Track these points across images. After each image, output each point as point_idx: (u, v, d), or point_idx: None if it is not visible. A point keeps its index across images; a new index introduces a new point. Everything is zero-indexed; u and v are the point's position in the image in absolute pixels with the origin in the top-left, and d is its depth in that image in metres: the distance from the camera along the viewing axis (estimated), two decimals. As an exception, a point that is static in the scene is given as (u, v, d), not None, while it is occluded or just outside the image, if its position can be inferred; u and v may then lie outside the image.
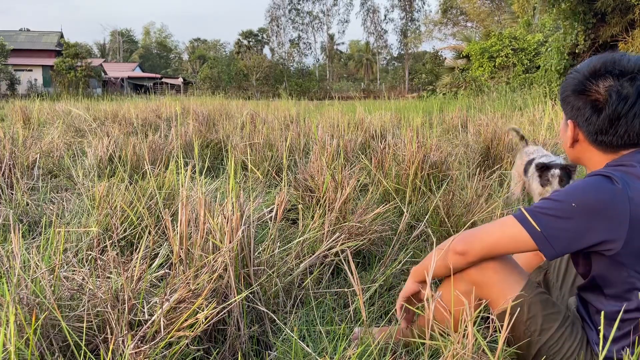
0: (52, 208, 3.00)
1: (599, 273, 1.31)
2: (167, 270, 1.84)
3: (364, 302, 2.12)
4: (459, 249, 1.40)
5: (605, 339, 1.29)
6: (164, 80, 47.10)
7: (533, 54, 18.41)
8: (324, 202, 2.69)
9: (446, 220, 2.81)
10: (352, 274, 1.63)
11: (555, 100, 9.97)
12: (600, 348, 1.17)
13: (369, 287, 2.17)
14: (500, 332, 1.33)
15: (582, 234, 1.22)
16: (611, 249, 1.21)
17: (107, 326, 1.44)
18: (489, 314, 1.49)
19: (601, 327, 1.14)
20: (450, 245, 1.43)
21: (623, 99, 1.23)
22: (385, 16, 58.56)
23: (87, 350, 1.37)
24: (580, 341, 1.39)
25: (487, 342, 1.33)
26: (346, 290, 2.07)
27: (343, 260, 1.59)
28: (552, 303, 1.42)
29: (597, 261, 1.29)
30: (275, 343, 1.74)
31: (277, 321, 1.88)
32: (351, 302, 2.04)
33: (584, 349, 1.38)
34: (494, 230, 1.36)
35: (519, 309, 1.38)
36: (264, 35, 60.13)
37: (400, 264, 2.26)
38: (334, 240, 2.28)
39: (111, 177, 3.58)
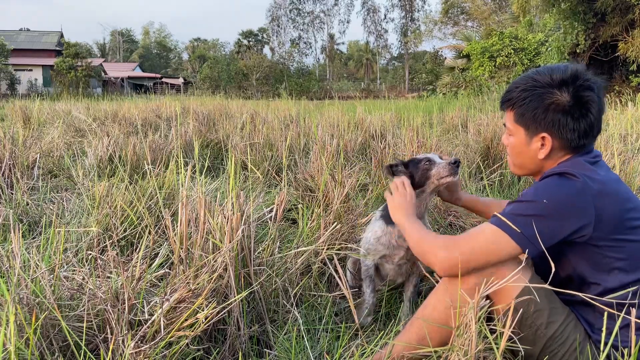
0: (52, 208, 3.01)
1: (579, 263, 1.41)
2: (167, 270, 1.84)
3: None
4: (442, 272, 1.43)
5: (601, 328, 1.33)
6: (164, 80, 47.08)
7: (533, 53, 18.41)
8: (324, 201, 2.69)
9: (445, 218, 2.81)
10: (340, 280, 1.64)
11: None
12: (603, 341, 1.17)
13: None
14: (505, 326, 1.33)
15: (558, 227, 1.34)
16: (584, 235, 1.35)
17: (107, 326, 1.44)
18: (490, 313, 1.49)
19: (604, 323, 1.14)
20: (432, 264, 1.45)
21: (598, 104, 1.42)
22: (385, 16, 58.55)
23: (87, 350, 1.38)
24: (585, 334, 1.40)
25: (492, 336, 1.33)
26: (338, 294, 2.07)
27: (337, 264, 1.60)
28: (555, 296, 1.43)
29: (575, 252, 1.39)
30: (275, 342, 1.74)
31: (278, 320, 1.88)
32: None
33: (588, 341, 1.39)
34: (482, 248, 1.38)
35: (526, 302, 1.38)
36: (264, 35, 60.17)
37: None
38: (329, 243, 2.28)
39: (111, 177, 3.59)
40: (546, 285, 1.38)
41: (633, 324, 1.27)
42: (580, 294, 1.34)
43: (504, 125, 1.60)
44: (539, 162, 1.52)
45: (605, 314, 1.28)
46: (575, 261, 1.41)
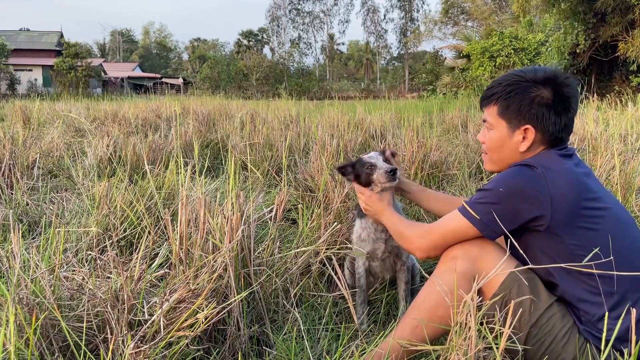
0: (52, 208, 3.01)
1: (543, 252, 1.45)
2: (167, 270, 1.84)
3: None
4: (418, 256, 1.64)
5: (590, 320, 1.39)
6: (164, 80, 47.09)
7: (533, 53, 18.40)
8: (324, 200, 2.69)
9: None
10: (339, 280, 1.66)
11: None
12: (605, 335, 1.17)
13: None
14: (494, 316, 1.34)
15: (513, 213, 1.42)
16: (542, 223, 1.41)
17: (107, 326, 1.44)
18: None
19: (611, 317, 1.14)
20: (409, 248, 1.67)
21: (576, 102, 1.52)
22: (384, 16, 58.58)
23: (87, 350, 1.38)
24: (573, 324, 1.41)
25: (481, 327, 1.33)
26: (338, 294, 2.07)
27: (336, 264, 1.61)
28: (540, 284, 1.46)
29: (538, 241, 1.44)
30: (275, 342, 1.74)
31: (278, 320, 1.88)
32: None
33: (577, 333, 1.40)
34: (447, 230, 1.54)
35: (509, 289, 1.42)
36: (264, 35, 60.20)
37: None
38: (329, 243, 2.28)
39: (111, 177, 3.58)
40: (531, 267, 1.42)
41: (633, 324, 1.27)
42: (564, 265, 1.37)
43: (484, 121, 1.65)
44: (518, 156, 1.56)
45: (606, 314, 1.28)
46: (539, 250, 1.45)
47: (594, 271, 1.35)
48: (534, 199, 1.39)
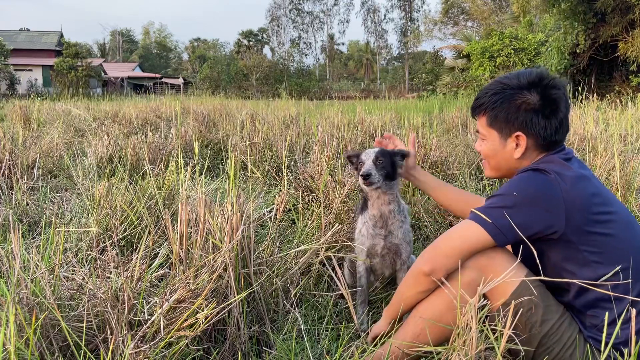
0: (52, 208, 3.00)
1: (557, 260, 1.42)
2: (167, 270, 1.84)
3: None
4: (427, 270, 1.46)
5: (594, 324, 1.38)
6: (164, 80, 47.06)
7: (533, 53, 18.40)
8: (324, 200, 2.69)
9: (445, 218, 2.80)
10: (339, 281, 1.66)
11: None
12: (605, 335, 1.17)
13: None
14: (505, 326, 1.34)
15: (527, 218, 1.37)
16: (556, 231, 1.37)
17: (107, 326, 1.44)
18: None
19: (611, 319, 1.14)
20: (416, 270, 1.49)
21: (565, 101, 1.50)
22: (384, 16, 58.57)
23: (87, 350, 1.37)
24: (578, 331, 1.42)
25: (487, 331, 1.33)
26: (337, 293, 2.07)
27: (336, 265, 1.61)
28: (549, 294, 1.44)
29: (552, 249, 1.41)
30: (275, 342, 1.74)
31: (278, 320, 1.88)
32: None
33: (582, 339, 1.41)
34: (453, 236, 1.46)
35: (521, 300, 1.39)
36: (264, 35, 60.15)
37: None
38: (329, 243, 2.28)
39: (111, 177, 3.58)
40: (542, 278, 1.40)
41: (633, 323, 1.27)
42: (576, 281, 1.36)
43: (477, 132, 1.65)
44: (515, 163, 1.56)
45: (607, 314, 1.29)
46: (553, 259, 1.44)
47: (609, 283, 1.34)
48: (549, 204, 1.37)
